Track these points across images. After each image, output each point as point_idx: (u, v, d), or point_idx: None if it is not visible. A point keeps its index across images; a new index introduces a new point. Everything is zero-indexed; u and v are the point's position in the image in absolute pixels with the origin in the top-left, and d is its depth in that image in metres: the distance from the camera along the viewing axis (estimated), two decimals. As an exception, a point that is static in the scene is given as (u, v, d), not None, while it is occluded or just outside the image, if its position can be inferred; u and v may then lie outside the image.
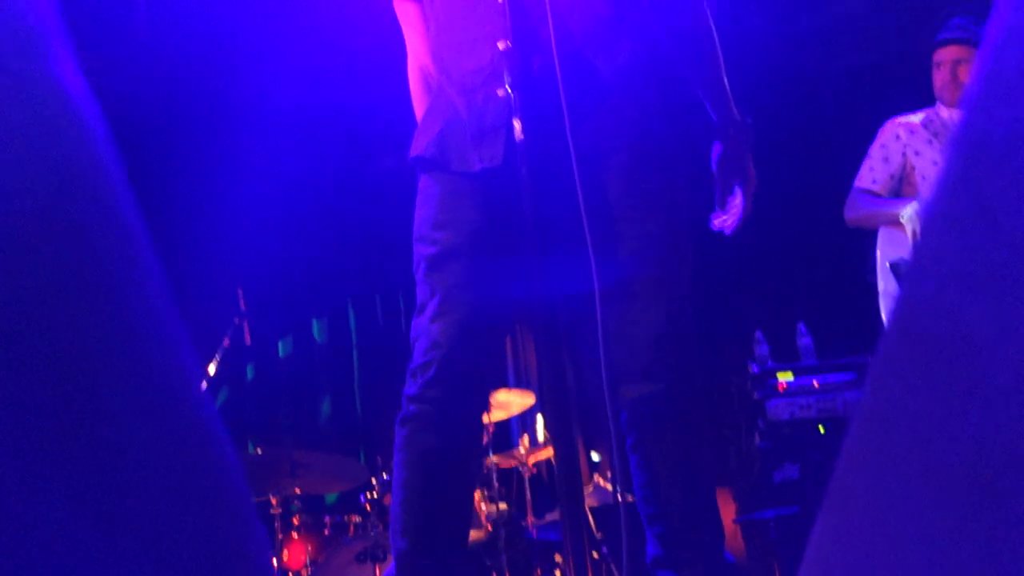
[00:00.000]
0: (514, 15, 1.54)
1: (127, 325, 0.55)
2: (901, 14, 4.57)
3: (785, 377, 3.85)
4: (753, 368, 4.00)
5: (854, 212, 3.31)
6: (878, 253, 3.23)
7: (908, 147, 3.25)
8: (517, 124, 1.46)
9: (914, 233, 3.05)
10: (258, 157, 4.59)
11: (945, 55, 3.19)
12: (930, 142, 3.22)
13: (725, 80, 1.77)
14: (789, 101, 4.64)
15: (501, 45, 1.55)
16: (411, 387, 1.68)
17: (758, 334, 4.13)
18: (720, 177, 1.81)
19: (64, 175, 0.54)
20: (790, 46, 4.65)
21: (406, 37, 1.94)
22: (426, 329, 1.68)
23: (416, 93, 1.95)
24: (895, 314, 0.55)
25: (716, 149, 1.81)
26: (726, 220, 1.85)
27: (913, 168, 3.25)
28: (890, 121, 3.34)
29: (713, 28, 1.76)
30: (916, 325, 0.52)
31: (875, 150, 3.32)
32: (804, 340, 4.09)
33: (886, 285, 3.20)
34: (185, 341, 0.60)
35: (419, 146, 1.78)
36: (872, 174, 3.30)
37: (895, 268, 3.14)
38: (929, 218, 0.52)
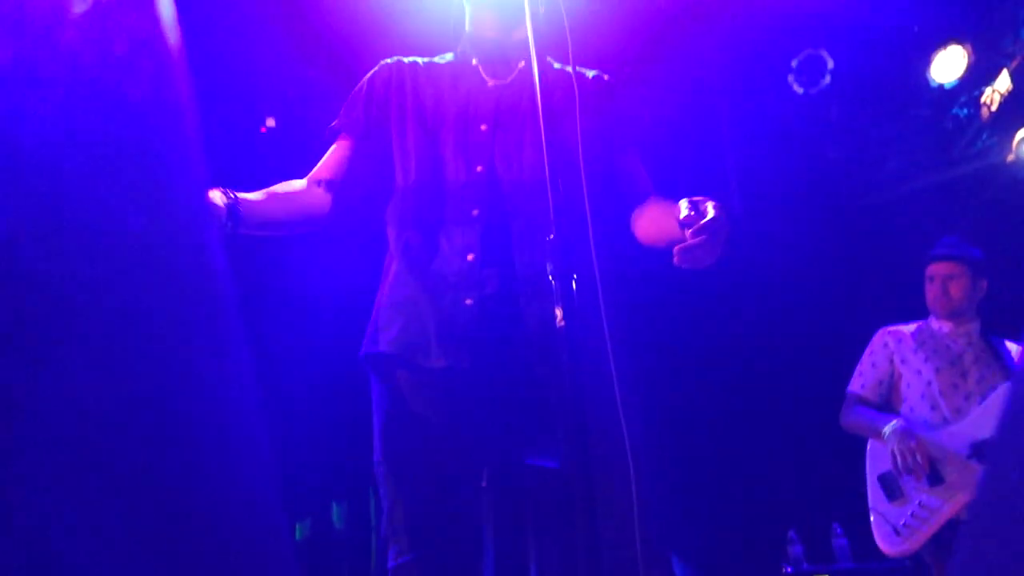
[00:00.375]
0: (484, 229, 1.64)
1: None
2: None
3: (822, 578, 3.72)
4: (787, 569, 3.87)
5: (845, 419, 3.47)
6: (867, 467, 3.36)
7: (895, 355, 3.41)
8: (559, 312, 1.47)
9: (893, 451, 3.15)
10: (280, 338, 4.67)
11: (937, 270, 3.39)
12: (916, 352, 3.36)
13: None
14: (821, 300, 4.75)
15: (470, 257, 1.64)
16: None
17: (792, 534, 4.02)
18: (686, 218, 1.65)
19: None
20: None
21: (327, 158, 1.92)
22: (400, 531, 1.69)
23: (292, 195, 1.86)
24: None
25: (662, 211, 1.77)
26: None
27: (900, 376, 3.39)
28: (881, 330, 3.53)
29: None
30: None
31: (866, 357, 3.50)
32: (839, 541, 3.99)
33: (874, 501, 3.31)
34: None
35: (378, 342, 1.78)
36: (862, 379, 3.46)
37: (883, 481, 3.25)
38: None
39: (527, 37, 1.53)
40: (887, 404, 3.40)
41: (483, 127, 1.82)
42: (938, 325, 3.42)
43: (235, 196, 1.63)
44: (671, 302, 4.89)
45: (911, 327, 3.46)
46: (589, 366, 1.49)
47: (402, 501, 1.68)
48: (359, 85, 1.95)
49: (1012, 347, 3.34)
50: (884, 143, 5.01)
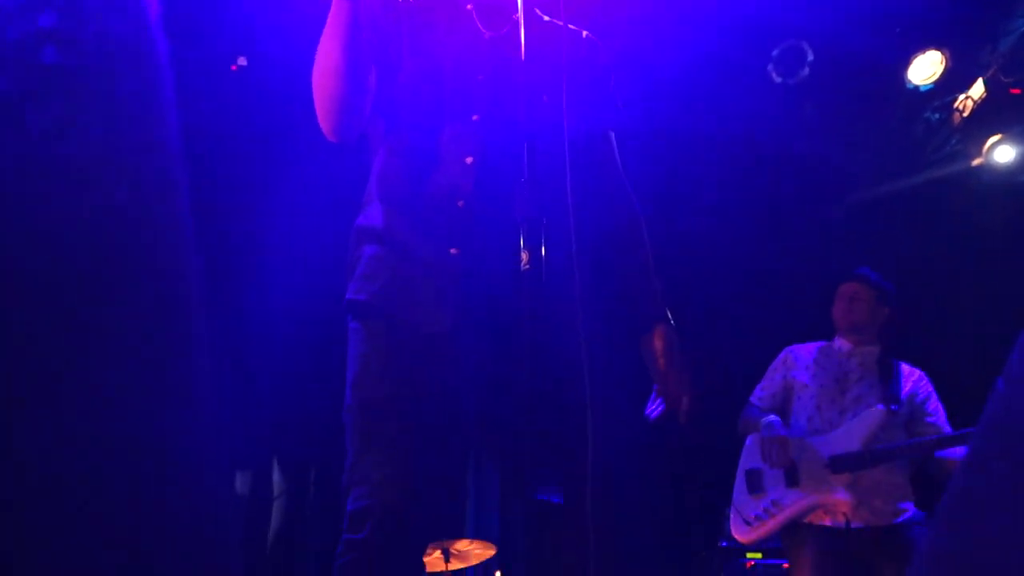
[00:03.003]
0: (477, 178, 1.68)
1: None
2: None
3: (754, 556, 3.81)
4: (722, 543, 3.96)
5: (740, 421, 3.73)
6: (740, 461, 3.65)
7: (790, 371, 3.66)
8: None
9: (761, 443, 3.46)
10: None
11: (845, 289, 3.67)
12: (808, 368, 3.62)
13: (655, 279, 1.89)
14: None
15: (460, 204, 1.65)
16: (350, 533, 1.63)
17: (729, 511, 4.10)
18: (658, 368, 1.83)
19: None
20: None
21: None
22: (365, 477, 1.64)
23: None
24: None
25: (647, 343, 1.84)
26: (658, 408, 1.86)
27: (792, 390, 3.64)
28: (786, 348, 3.77)
29: (645, 233, 1.93)
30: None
31: (768, 371, 3.75)
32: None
33: (736, 492, 3.62)
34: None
35: (362, 291, 1.76)
36: (760, 391, 3.72)
37: (748, 475, 3.54)
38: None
39: None
40: (782, 415, 3.60)
41: (479, 77, 1.83)
42: (839, 344, 3.65)
43: None
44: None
45: (816, 345, 3.70)
46: (555, 316, 1.51)
47: (372, 449, 1.64)
48: None
49: (907, 368, 3.58)
50: (856, 140, 5.07)
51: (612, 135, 2.00)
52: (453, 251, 1.72)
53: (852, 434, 3.36)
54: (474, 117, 1.79)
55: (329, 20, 1.69)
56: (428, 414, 1.67)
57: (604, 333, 1.77)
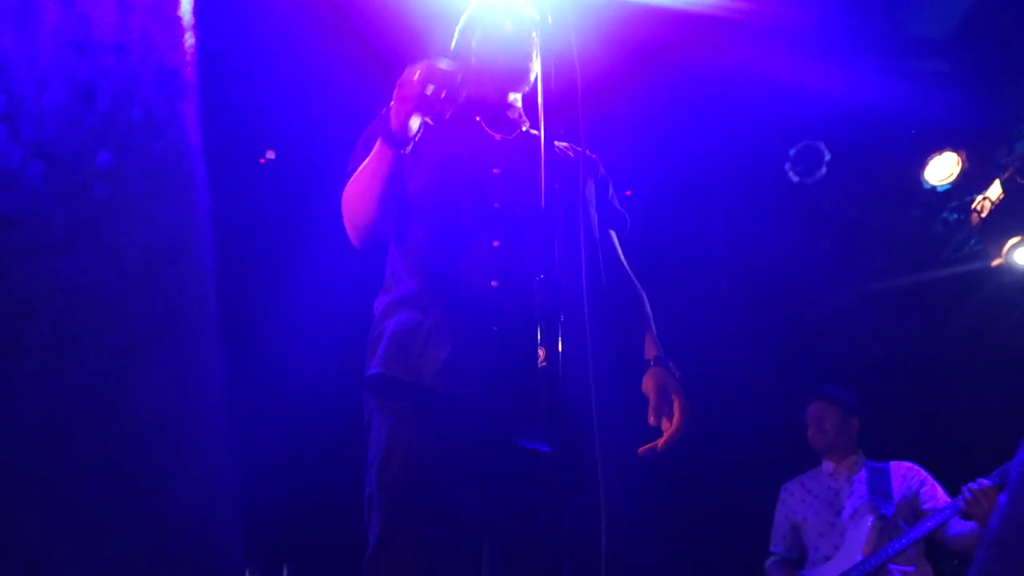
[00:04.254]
0: (505, 259, 1.76)
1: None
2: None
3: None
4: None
5: None
6: None
7: (788, 510, 3.74)
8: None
9: None
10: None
11: (809, 413, 3.77)
12: (803, 500, 3.68)
13: (653, 325, 2.01)
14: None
15: (494, 283, 1.69)
16: None
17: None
18: (656, 403, 1.88)
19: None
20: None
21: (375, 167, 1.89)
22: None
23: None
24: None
25: (647, 383, 1.90)
26: (658, 443, 1.87)
27: (797, 526, 3.68)
28: (782, 488, 3.85)
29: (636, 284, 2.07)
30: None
31: (775, 517, 3.82)
32: None
33: None
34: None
35: (384, 365, 1.78)
36: (773, 536, 3.79)
37: None
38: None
39: (533, 101, 1.62)
40: (800, 553, 3.66)
41: (495, 170, 1.92)
42: (826, 466, 3.72)
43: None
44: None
45: (803, 477, 3.78)
46: (573, 407, 1.52)
47: (401, 531, 1.64)
48: (380, 116, 2.01)
49: (895, 465, 3.60)
50: (875, 238, 5.10)
51: (613, 233, 2.14)
52: (494, 283, 1.78)
53: (853, 550, 3.37)
54: (495, 204, 1.87)
55: (372, 162, 1.82)
56: (456, 494, 1.66)
57: (619, 424, 1.77)
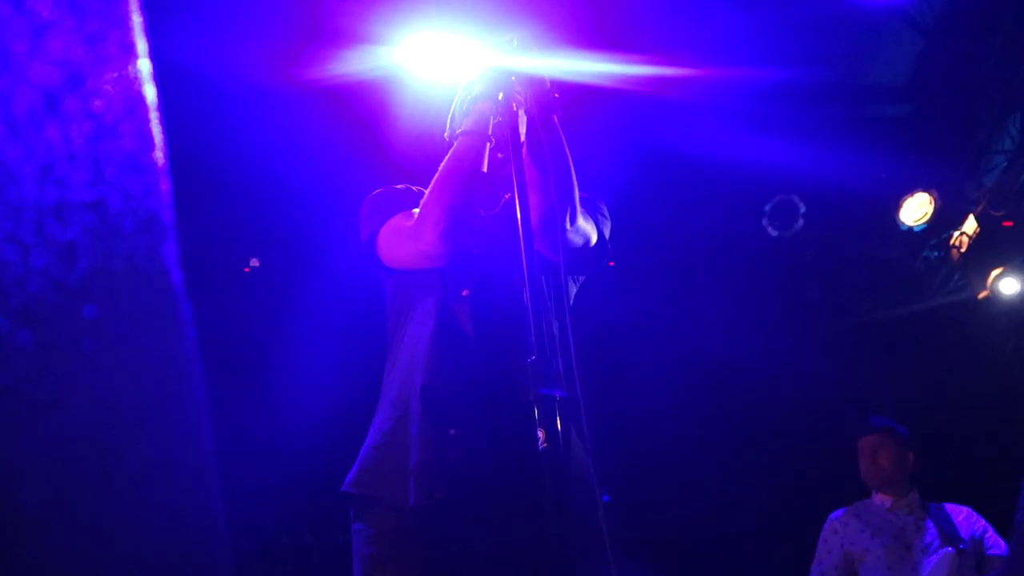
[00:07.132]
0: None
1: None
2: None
3: None
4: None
5: None
6: None
7: (844, 541, 3.61)
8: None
9: None
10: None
11: (865, 443, 3.67)
12: (862, 531, 3.58)
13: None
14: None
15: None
16: None
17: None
18: None
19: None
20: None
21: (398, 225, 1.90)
22: None
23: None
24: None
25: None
26: None
27: (853, 558, 3.58)
28: (829, 519, 3.74)
29: None
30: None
31: (820, 545, 3.70)
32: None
33: None
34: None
35: (357, 483, 1.76)
36: (820, 567, 3.66)
37: None
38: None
39: (510, 174, 1.61)
40: None
41: (474, 251, 1.90)
42: (879, 500, 3.64)
43: None
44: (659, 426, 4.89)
45: (854, 508, 3.69)
46: (574, 488, 1.49)
47: None
48: (381, 190, 2.02)
49: (953, 508, 3.54)
50: (860, 283, 5.14)
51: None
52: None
53: None
54: (464, 292, 1.84)
55: (456, 154, 1.80)
56: None
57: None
